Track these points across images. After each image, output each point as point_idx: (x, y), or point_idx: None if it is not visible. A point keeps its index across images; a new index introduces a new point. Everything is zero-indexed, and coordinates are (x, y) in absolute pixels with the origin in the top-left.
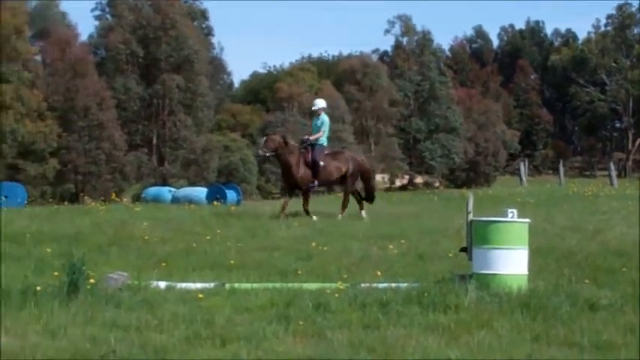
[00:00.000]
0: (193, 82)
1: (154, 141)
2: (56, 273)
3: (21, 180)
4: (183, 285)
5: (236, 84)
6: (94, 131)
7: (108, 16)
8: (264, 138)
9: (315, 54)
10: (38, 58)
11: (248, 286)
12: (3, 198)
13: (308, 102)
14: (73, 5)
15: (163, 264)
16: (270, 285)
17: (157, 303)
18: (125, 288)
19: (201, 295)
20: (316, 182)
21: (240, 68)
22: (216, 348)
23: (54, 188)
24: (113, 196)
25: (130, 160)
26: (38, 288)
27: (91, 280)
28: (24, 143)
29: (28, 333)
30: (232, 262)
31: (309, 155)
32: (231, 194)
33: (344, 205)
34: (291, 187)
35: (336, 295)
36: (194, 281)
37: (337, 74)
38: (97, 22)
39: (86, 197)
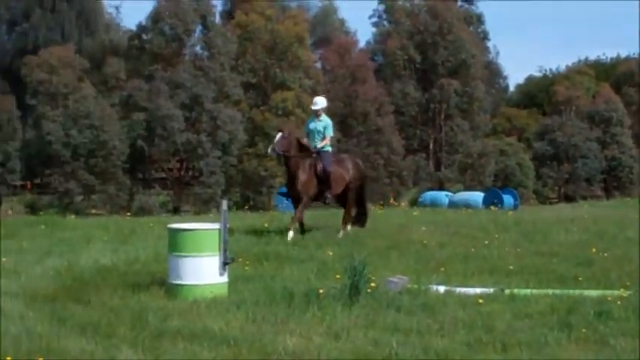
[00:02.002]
0: (470, 87)
1: (431, 145)
2: (338, 276)
3: None
4: (463, 289)
5: (511, 88)
6: (373, 136)
7: (385, 22)
8: (279, 134)
9: (592, 57)
10: (318, 65)
11: (527, 291)
12: (285, 201)
13: (586, 106)
14: (351, 12)
15: (442, 268)
16: (550, 291)
17: (437, 307)
18: (405, 292)
19: (480, 300)
20: (328, 195)
21: (516, 72)
22: (497, 353)
23: None
24: (391, 200)
25: (408, 164)
26: (321, 291)
27: (372, 284)
28: None
29: (311, 334)
30: (511, 267)
31: (320, 164)
32: (507, 199)
33: (348, 218)
34: (296, 197)
35: (619, 302)
36: (473, 286)
37: (616, 77)
38: (374, 29)
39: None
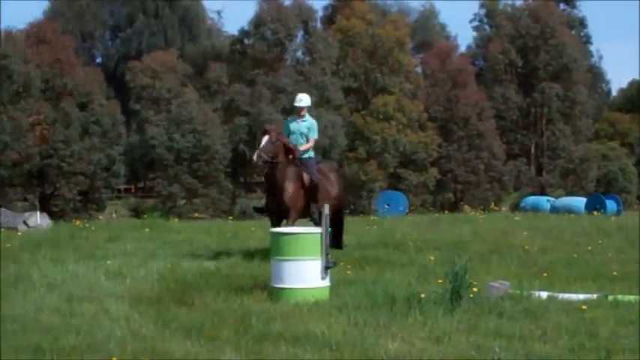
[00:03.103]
0: (572, 91)
1: (532, 150)
2: (439, 280)
3: (402, 189)
4: (565, 295)
5: (614, 92)
6: (474, 141)
7: (486, 26)
8: (266, 138)
9: None
10: (419, 69)
11: (631, 298)
12: (386, 206)
13: None
14: (451, 16)
15: (544, 274)
16: None
17: (540, 313)
18: (507, 297)
19: (584, 307)
20: (315, 210)
21: (619, 76)
22: (601, 359)
23: (434, 197)
24: (492, 205)
25: (509, 169)
26: (422, 295)
27: (474, 289)
28: (405, 153)
29: (413, 339)
30: (614, 273)
31: (306, 174)
32: (610, 204)
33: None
34: (281, 215)
35: None
36: (576, 292)
37: None
38: (475, 33)
39: (465, 206)
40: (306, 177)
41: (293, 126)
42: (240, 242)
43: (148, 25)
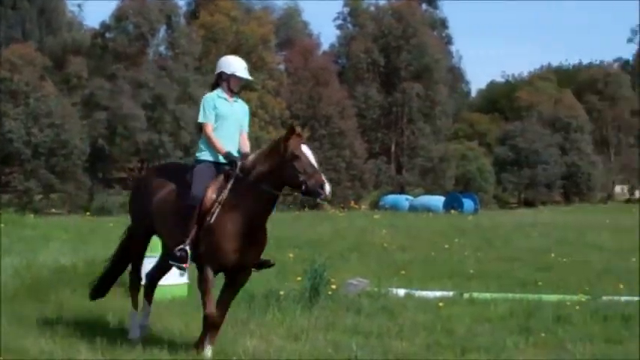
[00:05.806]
0: (433, 91)
1: (393, 149)
2: (299, 278)
3: None
4: (422, 293)
5: (473, 93)
6: (335, 139)
7: (349, 25)
8: (305, 146)
9: (554, 63)
10: (282, 66)
11: (487, 295)
12: None
13: (547, 112)
14: (315, 15)
15: (402, 272)
16: (510, 295)
17: (397, 310)
18: (365, 294)
19: (440, 304)
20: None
21: (478, 77)
22: (456, 356)
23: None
24: (352, 203)
25: (369, 167)
26: (281, 293)
27: (333, 286)
28: None
29: (271, 336)
30: (471, 271)
31: None
32: (468, 203)
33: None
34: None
35: (577, 307)
36: (433, 290)
37: (577, 83)
38: (338, 32)
39: (326, 204)
40: None
41: (225, 108)
42: (97, 238)
43: (5, 17)
